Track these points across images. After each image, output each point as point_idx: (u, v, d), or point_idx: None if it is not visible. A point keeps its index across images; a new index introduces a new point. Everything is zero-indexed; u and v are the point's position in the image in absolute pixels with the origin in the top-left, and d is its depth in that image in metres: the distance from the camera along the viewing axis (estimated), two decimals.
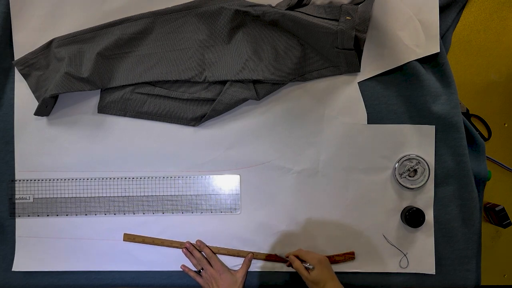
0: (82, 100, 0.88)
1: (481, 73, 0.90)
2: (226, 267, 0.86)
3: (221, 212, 0.88)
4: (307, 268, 0.78)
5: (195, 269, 0.87)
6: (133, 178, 0.88)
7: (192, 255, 0.86)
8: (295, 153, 0.87)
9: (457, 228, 0.85)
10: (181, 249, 0.87)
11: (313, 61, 0.85)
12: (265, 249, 0.87)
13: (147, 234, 0.88)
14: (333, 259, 0.85)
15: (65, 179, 0.89)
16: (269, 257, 0.87)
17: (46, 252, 0.89)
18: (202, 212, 0.88)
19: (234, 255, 0.87)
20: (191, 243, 0.87)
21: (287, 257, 0.84)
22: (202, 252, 0.86)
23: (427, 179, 0.84)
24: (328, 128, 0.86)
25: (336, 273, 0.86)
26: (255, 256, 0.87)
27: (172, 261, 0.88)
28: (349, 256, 0.86)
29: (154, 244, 0.88)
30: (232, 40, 0.86)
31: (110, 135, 0.88)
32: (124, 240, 0.88)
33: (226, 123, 0.87)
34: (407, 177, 0.85)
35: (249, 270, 0.87)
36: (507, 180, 0.91)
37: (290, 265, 0.84)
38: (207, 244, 0.87)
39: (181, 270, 0.87)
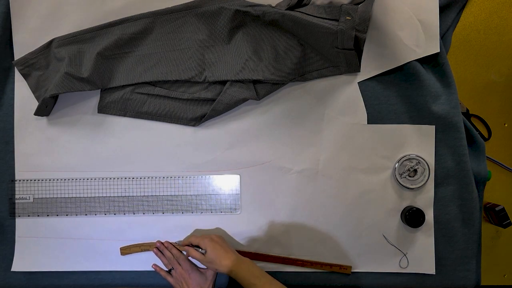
0: (82, 100, 0.88)
1: (481, 73, 0.90)
2: (196, 266, 0.85)
3: (221, 212, 0.88)
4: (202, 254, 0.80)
5: (166, 269, 0.86)
6: (133, 178, 0.88)
7: (163, 254, 0.86)
8: (295, 153, 0.87)
9: (457, 228, 0.85)
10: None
11: (313, 61, 0.85)
12: (265, 250, 0.87)
13: (147, 234, 0.88)
14: (330, 268, 0.86)
15: (65, 179, 0.89)
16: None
17: (46, 252, 0.89)
18: (202, 212, 0.88)
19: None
20: (161, 243, 0.87)
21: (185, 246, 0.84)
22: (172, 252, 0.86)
23: (427, 179, 0.84)
24: (328, 128, 0.86)
25: (335, 273, 0.86)
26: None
27: None
28: (344, 268, 0.86)
29: (151, 250, 0.88)
30: (232, 40, 0.86)
31: (110, 135, 0.88)
32: (122, 254, 0.88)
33: (226, 123, 0.87)
34: (407, 177, 0.85)
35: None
36: (507, 180, 0.91)
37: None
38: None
39: None
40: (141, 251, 0.88)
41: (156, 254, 0.86)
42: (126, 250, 0.88)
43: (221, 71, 0.85)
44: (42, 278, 0.89)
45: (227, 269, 0.76)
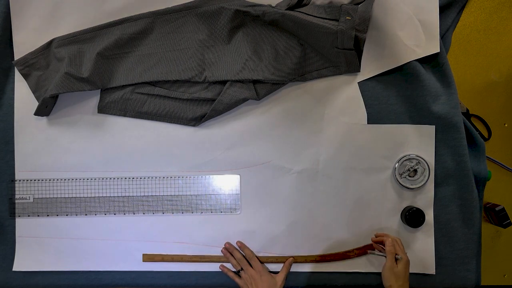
0: (82, 100, 0.88)
1: (481, 73, 0.90)
2: (267, 268, 0.84)
3: (221, 212, 0.88)
4: (396, 259, 0.77)
5: (234, 270, 0.86)
6: (133, 178, 0.88)
7: (232, 255, 0.85)
8: (295, 153, 0.87)
9: (457, 228, 0.85)
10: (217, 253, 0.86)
11: (313, 61, 0.85)
12: (264, 250, 0.87)
13: (147, 234, 0.88)
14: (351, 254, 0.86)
15: (65, 179, 0.89)
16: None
17: (46, 252, 0.89)
18: (202, 212, 0.88)
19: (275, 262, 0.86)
20: (231, 244, 0.86)
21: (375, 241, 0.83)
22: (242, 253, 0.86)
23: (427, 179, 0.84)
24: (328, 128, 0.86)
25: (335, 273, 0.86)
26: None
27: None
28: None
29: (174, 261, 0.87)
30: (232, 40, 0.86)
31: (110, 135, 0.88)
32: (143, 260, 0.87)
33: (226, 123, 0.87)
34: (407, 177, 0.85)
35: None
36: (507, 180, 0.91)
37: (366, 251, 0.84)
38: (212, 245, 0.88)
39: (182, 271, 0.88)
40: (163, 261, 0.87)
41: (225, 255, 0.86)
42: (148, 258, 0.87)
43: (221, 71, 0.85)
44: (42, 278, 0.89)
45: None
